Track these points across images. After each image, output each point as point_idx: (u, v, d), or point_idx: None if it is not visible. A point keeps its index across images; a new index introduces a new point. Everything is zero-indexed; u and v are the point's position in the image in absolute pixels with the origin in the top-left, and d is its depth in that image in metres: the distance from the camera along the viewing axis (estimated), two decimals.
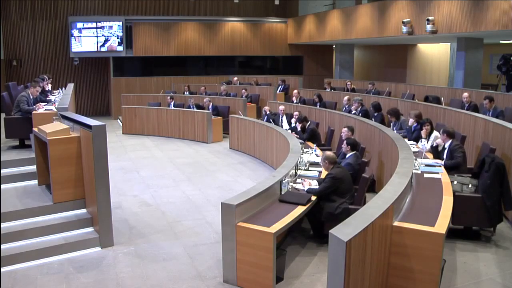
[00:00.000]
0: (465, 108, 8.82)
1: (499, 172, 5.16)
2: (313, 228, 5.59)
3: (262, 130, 9.66)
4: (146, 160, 9.93)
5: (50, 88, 9.90)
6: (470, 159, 6.84)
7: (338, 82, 15.39)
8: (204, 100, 12.92)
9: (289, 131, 8.95)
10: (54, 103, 8.10)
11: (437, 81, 16.99)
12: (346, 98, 10.59)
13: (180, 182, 8.21)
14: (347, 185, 5.28)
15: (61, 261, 4.99)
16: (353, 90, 13.40)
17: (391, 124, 8.37)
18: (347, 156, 6.33)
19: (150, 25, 16.68)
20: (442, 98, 10.39)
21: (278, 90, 15.16)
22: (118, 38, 16.16)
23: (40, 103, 7.70)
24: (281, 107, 10.42)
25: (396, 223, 3.91)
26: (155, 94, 15.91)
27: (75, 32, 15.89)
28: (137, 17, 16.66)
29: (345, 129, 7.29)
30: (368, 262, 3.51)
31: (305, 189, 5.37)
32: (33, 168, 6.21)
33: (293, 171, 5.84)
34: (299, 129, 8.84)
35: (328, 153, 5.59)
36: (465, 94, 9.13)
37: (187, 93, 14.99)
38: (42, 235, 5.22)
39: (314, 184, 5.53)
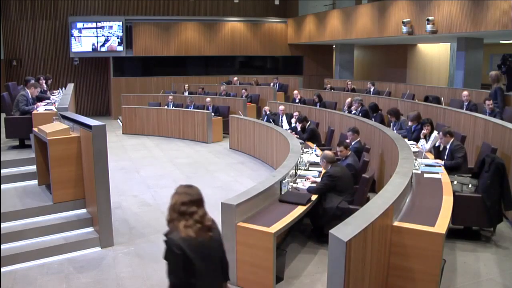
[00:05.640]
0: (465, 107, 8.79)
1: (499, 172, 5.16)
2: (314, 227, 5.60)
3: (262, 130, 9.66)
4: (146, 160, 9.92)
5: (46, 88, 9.90)
6: (470, 159, 6.84)
7: (338, 82, 15.39)
8: (206, 100, 12.92)
9: (289, 131, 8.95)
10: (54, 103, 8.11)
11: (437, 81, 16.98)
12: (347, 101, 10.53)
13: (180, 182, 8.14)
14: (345, 183, 5.29)
15: (61, 261, 4.99)
16: (353, 90, 13.40)
17: (391, 124, 8.37)
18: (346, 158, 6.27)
19: (150, 25, 16.68)
20: (442, 98, 10.38)
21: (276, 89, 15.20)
22: (118, 38, 16.16)
23: (39, 103, 7.73)
24: (281, 107, 10.41)
25: (396, 223, 3.90)
26: (155, 94, 15.91)
27: (75, 32, 15.89)
28: (137, 17, 16.66)
29: (350, 132, 7.16)
30: (368, 262, 3.51)
31: (306, 188, 5.39)
32: (33, 168, 6.20)
33: (293, 171, 5.84)
34: (299, 129, 8.84)
35: (327, 152, 5.61)
36: (465, 93, 9.10)
37: (186, 93, 14.99)
38: (42, 235, 5.22)
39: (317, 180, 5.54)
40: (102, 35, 16.07)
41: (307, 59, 18.53)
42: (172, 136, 12.49)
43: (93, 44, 15.98)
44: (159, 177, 8.54)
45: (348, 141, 7.16)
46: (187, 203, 2.62)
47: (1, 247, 4.73)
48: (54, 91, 10.61)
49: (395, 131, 7.81)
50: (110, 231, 5.39)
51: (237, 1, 17.05)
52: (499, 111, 7.85)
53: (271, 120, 9.86)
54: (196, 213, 2.63)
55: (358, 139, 7.12)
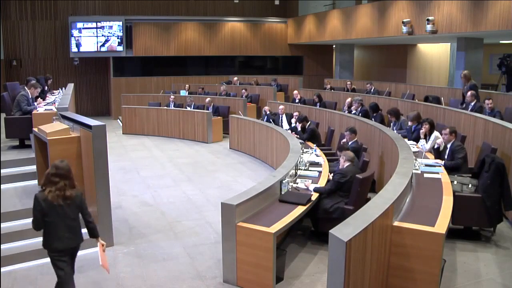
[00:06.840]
0: (470, 108, 8.67)
1: (499, 172, 5.16)
2: (313, 225, 5.60)
3: (262, 130, 9.66)
4: (146, 160, 9.92)
5: (46, 88, 9.93)
6: (470, 159, 6.83)
7: (338, 82, 15.39)
8: (206, 100, 12.92)
9: (289, 131, 8.95)
10: (55, 103, 8.11)
11: (437, 81, 16.99)
12: (347, 101, 10.52)
13: (180, 182, 8.21)
14: (351, 186, 5.27)
15: None
16: (353, 90, 13.40)
17: (391, 124, 8.36)
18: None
19: (150, 25, 16.68)
20: (442, 98, 10.38)
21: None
22: (118, 38, 16.16)
23: (40, 98, 7.75)
24: (281, 107, 10.42)
25: (396, 223, 3.90)
26: (155, 94, 15.92)
27: (75, 32, 15.90)
28: (137, 17, 16.66)
29: (347, 132, 7.16)
30: (368, 262, 3.51)
31: (310, 189, 5.38)
32: (33, 168, 6.21)
33: (293, 171, 5.84)
34: (299, 129, 8.84)
35: (348, 152, 5.65)
36: (469, 93, 9.03)
37: (187, 93, 14.99)
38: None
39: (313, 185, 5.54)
40: (102, 35, 16.07)
41: (307, 59, 18.53)
42: (172, 136, 12.49)
43: (77, 40, 15.95)
44: (159, 177, 8.54)
45: (344, 140, 7.17)
46: (54, 175, 3.53)
47: (1, 247, 4.72)
48: (54, 91, 10.62)
49: (395, 131, 7.80)
50: (110, 231, 5.38)
51: (237, 1, 17.06)
52: (498, 111, 7.84)
53: (271, 120, 9.86)
54: (58, 183, 3.52)
55: (355, 139, 7.12)
